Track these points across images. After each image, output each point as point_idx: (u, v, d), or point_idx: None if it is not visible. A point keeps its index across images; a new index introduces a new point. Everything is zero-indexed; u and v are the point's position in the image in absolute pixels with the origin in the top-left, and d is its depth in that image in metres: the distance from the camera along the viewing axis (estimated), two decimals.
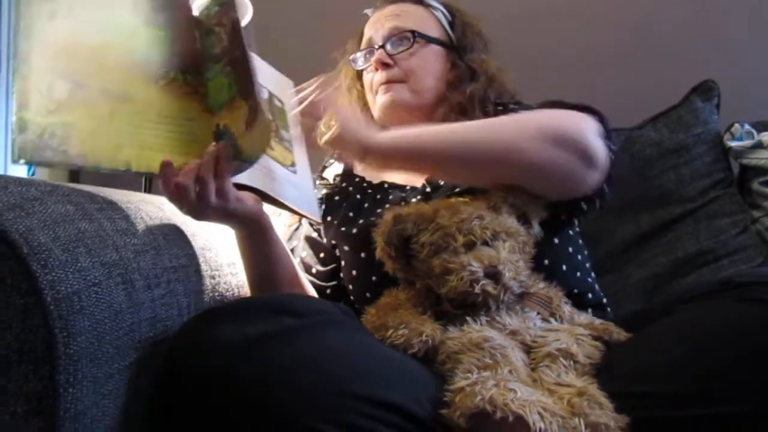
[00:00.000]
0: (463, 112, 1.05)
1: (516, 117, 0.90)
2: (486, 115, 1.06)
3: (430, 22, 1.11)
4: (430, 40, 1.08)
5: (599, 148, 0.83)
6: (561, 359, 0.69)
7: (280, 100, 0.99)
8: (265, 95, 0.94)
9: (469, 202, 0.83)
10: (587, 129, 0.83)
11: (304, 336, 0.63)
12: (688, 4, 1.51)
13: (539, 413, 0.59)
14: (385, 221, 0.83)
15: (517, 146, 0.82)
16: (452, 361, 0.70)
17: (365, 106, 1.14)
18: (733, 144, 1.29)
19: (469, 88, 1.06)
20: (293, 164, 0.95)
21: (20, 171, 1.55)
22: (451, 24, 1.13)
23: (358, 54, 1.13)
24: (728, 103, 1.35)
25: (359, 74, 1.15)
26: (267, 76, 0.97)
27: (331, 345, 0.64)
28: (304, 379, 0.59)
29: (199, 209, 0.78)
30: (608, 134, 0.86)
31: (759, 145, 1.26)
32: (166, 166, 0.75)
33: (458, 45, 1.11)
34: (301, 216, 1.07)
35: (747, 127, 1.30)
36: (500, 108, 1.07)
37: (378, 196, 1.03)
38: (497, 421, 0.59)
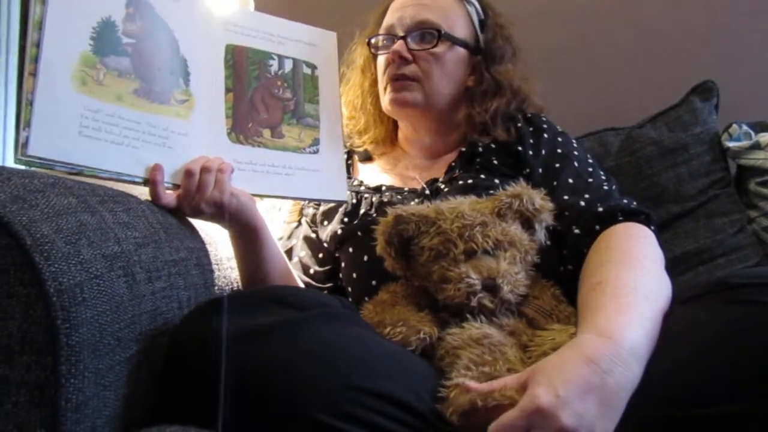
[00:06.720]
0: (485, 131, 1.03)
1: (643, 256, 0.81)
2: (507, 132, 1.02)
3: (460, 17, 1.05)
4: (456, 42, 1.02)
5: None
6: None
7: (310, 65, 0.95)
8: (288, 67, 0.92)
9: (475, 205, 0.80)
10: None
11: (306, 328, 0.64)
12: (688, 4, 1.51)
13: None
14: (386, 220, 0.81)
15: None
16: (451, 356, 0.70)
17: (376, 90, 1.09)
18: (731, 144, 1.30)
19: (494, 103, 1.02)
20: (314, 143, 0.93)
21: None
22: (483, 23, 1.07)
23: (378, 37, 1.06)
24: (727, 103, 1.35)
25: (375, 55, 1.09)
26: (292, 41, 0.94)
27: (332, 338, 0.64)
28: (306, 371, 0.60)
29: (196, 199, 0.81)
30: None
31: (756, 146, 1.27)
32: (156, 170, 0.80)
33: (486, 51, 1.06)
34: (315, 201, 1.06)
35: (745, 127, 1.31)
36: (526, 117, 1.05)
37: (374, 199, 1.01)
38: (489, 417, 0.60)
